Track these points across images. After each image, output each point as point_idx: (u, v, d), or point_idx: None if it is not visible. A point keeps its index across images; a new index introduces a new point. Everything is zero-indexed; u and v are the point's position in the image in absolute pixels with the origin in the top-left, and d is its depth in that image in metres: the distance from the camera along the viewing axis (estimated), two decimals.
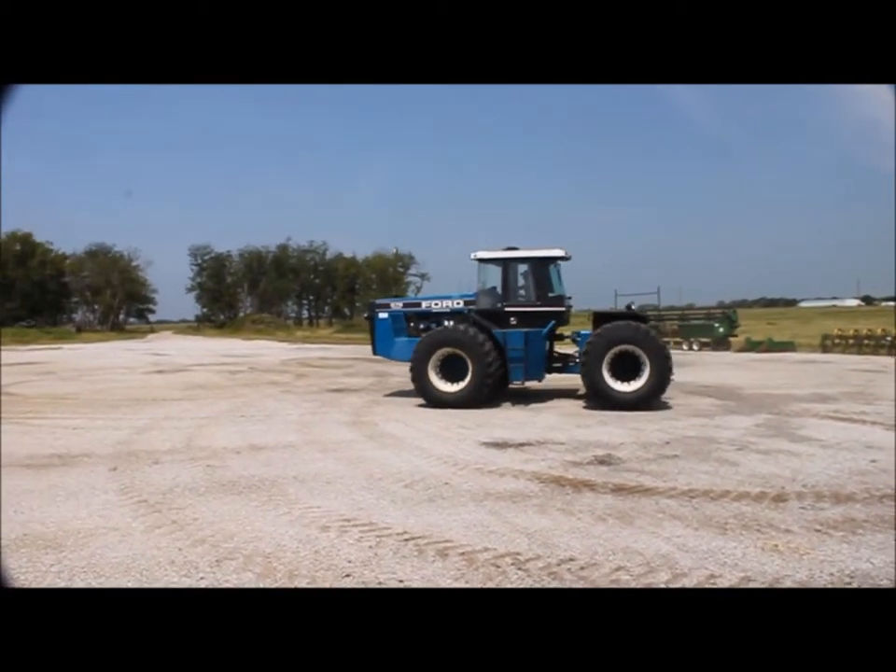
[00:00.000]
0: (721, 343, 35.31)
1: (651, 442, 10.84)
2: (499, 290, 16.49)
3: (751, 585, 5.23)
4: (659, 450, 10.27)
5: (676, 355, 31.28)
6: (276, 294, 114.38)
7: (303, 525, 6.82)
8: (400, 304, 17.74)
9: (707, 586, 5.32)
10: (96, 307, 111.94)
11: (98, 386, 22.16)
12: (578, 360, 15.62)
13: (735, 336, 36.32)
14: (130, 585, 5.31)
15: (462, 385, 15.54)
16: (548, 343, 16.47)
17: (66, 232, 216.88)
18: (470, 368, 15.44)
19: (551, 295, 16.24)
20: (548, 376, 16.62)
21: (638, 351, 14.65)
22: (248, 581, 5.39)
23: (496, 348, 15.61)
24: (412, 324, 17.10)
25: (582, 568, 5.59)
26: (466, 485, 8.27)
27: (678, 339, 36.66)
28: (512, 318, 16.03)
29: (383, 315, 17.38)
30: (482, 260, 16.66)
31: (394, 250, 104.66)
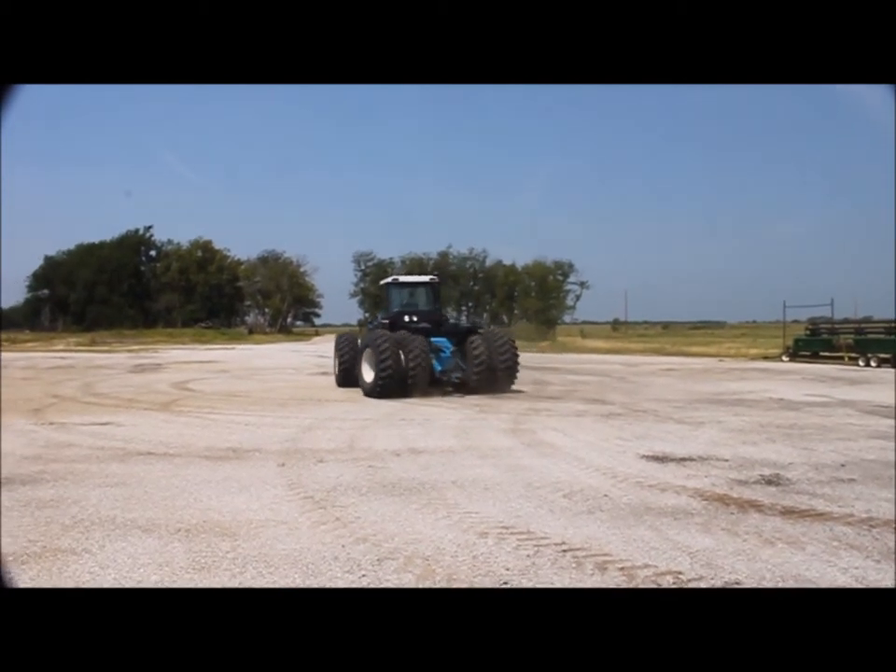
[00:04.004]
0: None
1: (823, 464, 10.22)
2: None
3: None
4: (833, 472, 9.65)
5: (849, 371, 29.74)
6: None
7: (462, 529, 6.90)
8: (378, 318, 23.61)
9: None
10: (266, 310, 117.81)
11: (267, 385, 23.43)
12: None
13: None
14: (296, 581, 5.56)
15: None
16: None
17: (240, 240, 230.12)
18: None
19: (393, 310, 21.64)
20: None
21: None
22: (408, 581, 5.50)
23: (354, 349, 21.07)
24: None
25: None
26: (625, 498, 8.11)
27: (853, 354, 34.34)
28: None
29: (371, 324, 23.75)
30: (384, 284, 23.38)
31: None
